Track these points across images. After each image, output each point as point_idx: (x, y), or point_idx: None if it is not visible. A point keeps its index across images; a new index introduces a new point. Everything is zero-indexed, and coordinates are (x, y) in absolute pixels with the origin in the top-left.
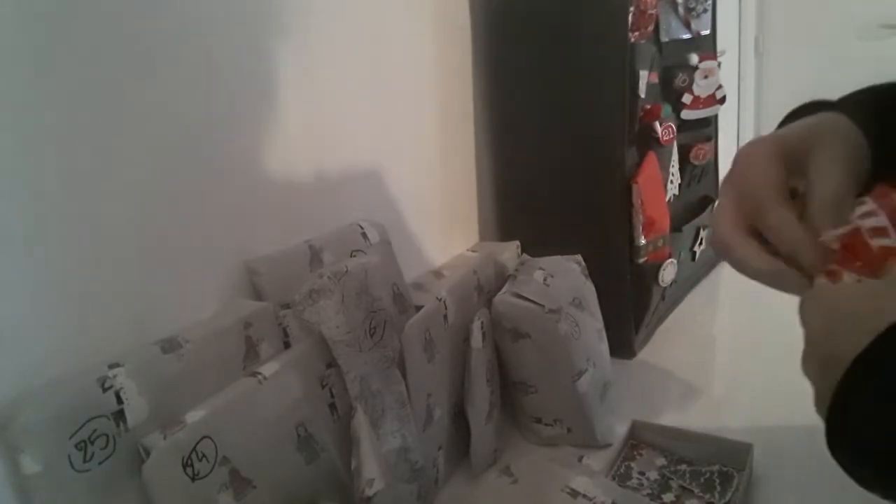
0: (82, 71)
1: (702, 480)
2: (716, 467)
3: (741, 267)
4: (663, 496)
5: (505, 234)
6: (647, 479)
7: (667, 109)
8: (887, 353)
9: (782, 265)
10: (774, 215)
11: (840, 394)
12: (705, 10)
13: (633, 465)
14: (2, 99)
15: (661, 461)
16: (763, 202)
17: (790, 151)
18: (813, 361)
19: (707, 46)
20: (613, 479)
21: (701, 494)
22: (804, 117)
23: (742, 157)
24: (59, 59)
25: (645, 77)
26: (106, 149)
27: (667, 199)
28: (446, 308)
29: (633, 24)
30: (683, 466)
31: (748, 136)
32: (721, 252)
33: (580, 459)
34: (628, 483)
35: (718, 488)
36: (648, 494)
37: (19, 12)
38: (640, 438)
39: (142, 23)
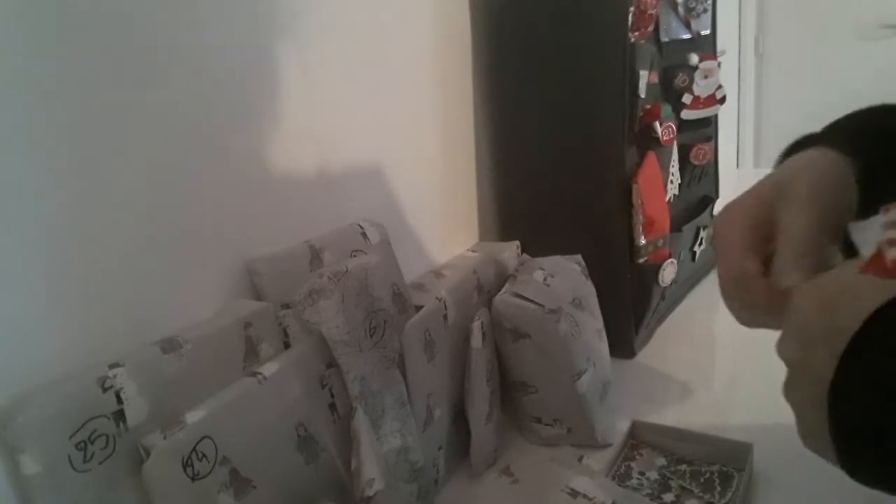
0: (82, 70)
1: (702, 480)
2: (716, 467)
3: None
4: (663, 496)
5: (505, 234)
6: (647, 479)
7: (667, 109)
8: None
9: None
10: (750, 281)
11: (850, 355)
12: (705, 10)
13: (633, 465)
14: (1, 99)
15: (661, 461)
16: (739, 270)
17: (763, 207)
18: (802, 337)
19: (707, 46)
20: (613, 479)
21: (701, 494)
22: (797, 152)
23: (719, 223)
24: (61, 57)
25: (645, 77)
26: (107, 149)
27: (667, 199)
28: (446, 308)
29: (633, 24)
30: (683, 466)
31: (748, 136)
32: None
33: (580, 459)
34: (628, 483)
35: (718, 488)
36: (648, 494)
37: (22, 15)
38: (640, 438)
39: (145, 24)
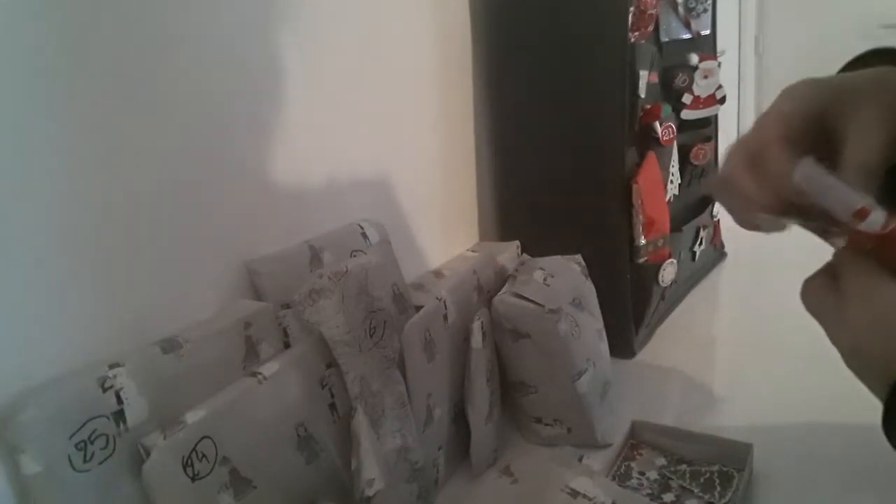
0: (88, 66)
1: (702, 480)
2: (716, 467)
3: (736, 205)
4: (663, 496)
5: (505, 234)
6: (647, 479)
7: (667, 109)
8: None
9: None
10: (773, 159)
11: None
12: (705, 10)
13: (633, 465)
14: (2, 101)
15: (661, 461)
16: (767, 143)
17: (815, 106)
18: None
19: (707, 46)
20: (613, 479)
21: (701, 494)
22: (867, 65)
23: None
24: (65, 56)
25: (645, 77)
26: (107, 149)
27: (667, 199)
28: (446, 308)
29: (633, 24)
30: (683, 466)
31: None
32: (720, 189)
33: (580, 459)
34: (628, 483)
35: (718, 488)
36: (648, 494)
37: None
38: (640, 438)
39: (149, 25)
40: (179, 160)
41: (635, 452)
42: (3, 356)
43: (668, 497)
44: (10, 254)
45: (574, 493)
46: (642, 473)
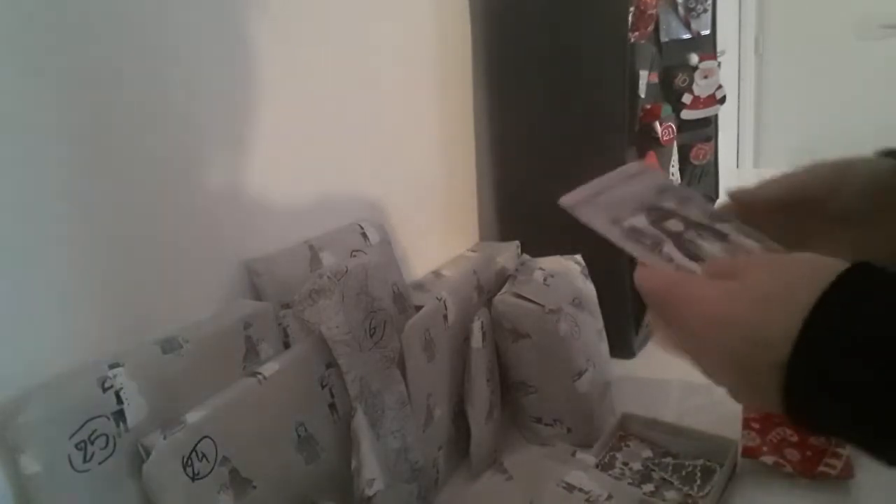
0: (81, 72)
1: (683, 474)
2: (700, 461)
3: None
4: (643, 486)
5: (505, 234)
6: (630, 469)
7: (667, 109)
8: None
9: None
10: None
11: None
12: (705, 10)
13: (618, 455)
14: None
15: (647, 453)
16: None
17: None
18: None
19: (707, 46)
20: (597, 467)
21: (680, 486)
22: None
23: None
24: (62, 62)
25: (645, 77)
26: (107, 148)
27: None
28: (446, 308)
29: (633, 24)
30: (668, 459)
31: (748, 136)
32: None
33: (573, 454)
34: (610, 472)
35: (699, 482)
36: (629, 484)
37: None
38: (629, 430)
39: (136, 24)
40: (180, 160)
41: (622, 444)
42: (4, 356)
43: (648, 487)
44: (8, 255)
45: (570, 488)
46: (626, 464)
